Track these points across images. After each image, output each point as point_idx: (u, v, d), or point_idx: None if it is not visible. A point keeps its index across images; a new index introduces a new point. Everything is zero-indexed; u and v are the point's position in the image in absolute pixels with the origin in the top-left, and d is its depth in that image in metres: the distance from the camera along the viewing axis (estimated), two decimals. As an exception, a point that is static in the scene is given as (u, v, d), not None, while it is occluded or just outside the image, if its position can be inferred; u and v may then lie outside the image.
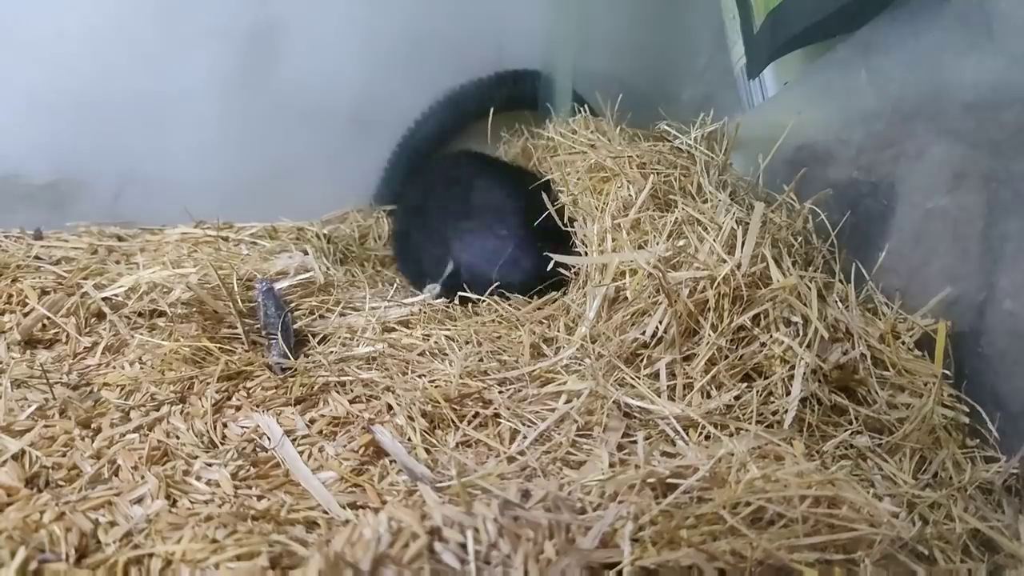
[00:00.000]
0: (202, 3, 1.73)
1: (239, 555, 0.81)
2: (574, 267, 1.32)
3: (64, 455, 0.98)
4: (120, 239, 1.60)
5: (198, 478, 0.95)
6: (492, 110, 1.72)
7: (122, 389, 1.12)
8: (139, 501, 0.90)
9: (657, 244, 1.20)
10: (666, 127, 1.46)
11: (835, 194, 1.24)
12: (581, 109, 1.67)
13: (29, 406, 1.05)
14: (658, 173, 1.32)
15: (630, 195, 1.31)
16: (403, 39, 1.88)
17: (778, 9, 1.33)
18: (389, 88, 1.90)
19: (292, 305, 1.31)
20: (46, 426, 1.02)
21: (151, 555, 0.82)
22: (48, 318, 1.24)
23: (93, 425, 1.04)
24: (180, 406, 1.09)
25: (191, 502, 0.91)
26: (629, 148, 1.39)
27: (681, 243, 1.19)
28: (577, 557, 0.80)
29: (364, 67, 1.87)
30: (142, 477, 0.94)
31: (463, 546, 0.80)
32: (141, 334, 1.24)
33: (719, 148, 1.40)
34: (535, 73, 1.89)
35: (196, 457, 0.99)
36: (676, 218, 1.23)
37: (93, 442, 1.00)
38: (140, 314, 1.30)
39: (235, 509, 0.90)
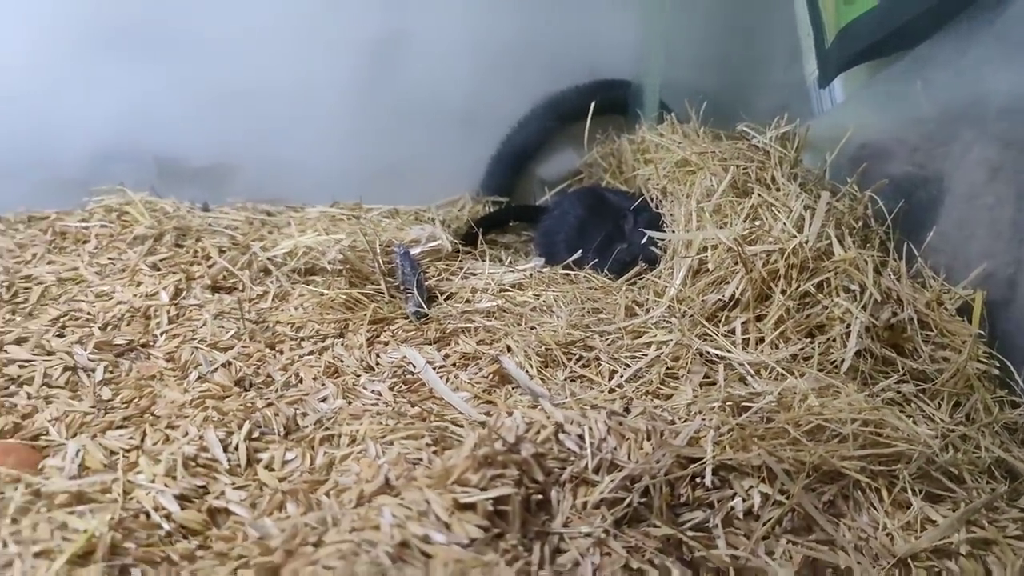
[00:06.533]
0: (340, 15, 2.02)
1: (407, 436, 1.06)
2: (664, 243, 1.54)
3: (258, 368, 1.24)
4: (269, 214, 1.88)
5: (364, 388, 1.20)
6: (589, 114, 1.95)
7: (292, 326, 1.38)
8: (324, 400, 1.16)
9: (736, 224, 1.41)
10: (745, 128, 1.68)
11: (892, 186, 1.45)
12: (668, 116, 1.90)
13: (227, 332, 1.31)
14: (737, 166, 1.54)
15: (712, 185, 1.53)
16: (508, 50, 2.14)
17: (847, 28, 1.54)
18: (494, 92, 2.16)
19: (423, 267, 1.56)
20: (243, 347, 1.28)
21: (339, 434, 1.07)
22: (228, 270, 1.51)
23: (277, 348, 1.30)
24: (340, 339, 1.35)
25: (363, 403, 1.16)
26: (712, 145, 1.61)
27: (757, 223, 1.40)
28: (670, 450, 1.02)
29: (474, 73, 2.14)
30: (323, 384, 1.19)
31: (581, 437, 1.03)
32: (300, 287, 1.51)
33: (791, 146, 1.61)
34: (626, 83, 2.12)
35: (360, 375, 1.24)
36: (752, 203, 1.45)
37: (279, 359, 1.26)
38: (296, 271, 1.56)
39: (397, 410, 1.14)
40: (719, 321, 1.36)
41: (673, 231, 1.52)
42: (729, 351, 1.28)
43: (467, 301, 1.49)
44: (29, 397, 1.09)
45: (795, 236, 1.32)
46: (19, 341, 1.19)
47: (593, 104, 2.04)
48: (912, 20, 1.36)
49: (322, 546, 0.82)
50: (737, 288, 1.35)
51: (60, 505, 0.88)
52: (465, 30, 2.11)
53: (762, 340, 1.31)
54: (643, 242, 1.55)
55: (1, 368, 1.13)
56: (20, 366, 1.14)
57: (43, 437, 1.02)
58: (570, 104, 2.12)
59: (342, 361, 1.28)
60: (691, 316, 1.36)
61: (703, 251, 1.44)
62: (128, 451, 0.99)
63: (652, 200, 1.64)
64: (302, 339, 1.34)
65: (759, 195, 1.46)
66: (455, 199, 2.06)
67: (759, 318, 1.34)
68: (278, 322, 1.39)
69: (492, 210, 2.04)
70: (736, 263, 1.37)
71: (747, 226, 1.39)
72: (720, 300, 1.35)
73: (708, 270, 1.42)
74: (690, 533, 0.98)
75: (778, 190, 1.49)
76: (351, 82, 2.06)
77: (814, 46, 1.69)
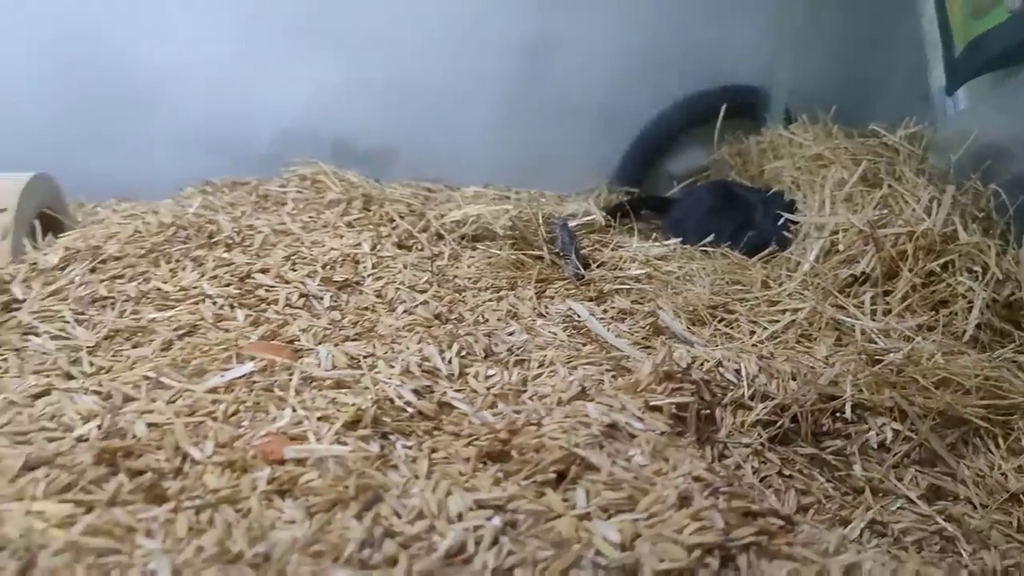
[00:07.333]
0: (497, 19, 2.26)
1: (588, 363, 1.26)
2: (795, 228, 1.71)
3: (450, 308, 1.46)
4: (430, 191, 2.12)
5: (541, 329, 1.41)
6: (719, 116, 2.14)
7: (470, 279, 1.60)
8: (511, 334, 1.36)
9: (867, 210, 1.58)
10: (875, 127, 1.84)
11: (1013, 183, 1.59)
12: (797, 118, 2.07)
13: (419, 279, 1.54)
14: (868, 160, 1.71)
15: (844, 177, 1.70)
16: (645, 54, 2.35)
17: (977, 40, 1.69)
18: (631, 92, 2.37)
19: (579, 238, 1.76)
20: (435, 291, 1.50)
21: (530, 359, 1.28)
22: (409, 231, 1.74)
23: (461, 295, 1.52)
24: (513, 292, 1.56)
25: (544, 340, 1.36)
26: (844, 141, 1.78)
27: (886, 211, 1.56)
28: (814, 386, 1.20)
29: (612, 76, 2.36)
30: (507, 323, 1.40)
31: (737, 371, 1.21)
32: (468, 251, 1.73)
33: (919, 145, 1.77)
34: (755, 89, 2.30)
35: (535, 320, 1.45)
36: (883, 193, 1.61)
37: (466, 303, 1.48)
38: (464, 237, 1.78)
39: (573, 347, 1.34)
40: (849, 295, 1.53)
41: (806, 215, 1.69)
42: (859, 318, 1.45)
43: (619, 268, 1.68)
44: (277, 314, 1.33)
45: (923, 220, 1.48)
46: (262, 271, 1.43)
47: (722, 108, 2.22)
48: (1041, 33, 1.52)
49: (542, 427, 1.02)
50: (867, 265, 1.51)
51: (327, 387, 1.11)
52: (607, 36, 2.33)
53: (889, 311, 1.47)
54: (779, 224, 1.72)
55: (253, 291, 1.38)
56: (266, 290, 1.39)
57: (295, 343, 1.25)
58: (701, 106, 2.30)
59: (517, 309, 1.49)
60: (823, 288, 1.53)
61: (834, 234, 1.61)
62: (365, 357, 1.21)
63: (784, 191, 1.82)
64: (480, 289, 1.55)
65: (888, 186, 1.62)
66: (592, 188, 2.27)
67: (886, 293, 1.50)
68: (455, 276, 1.61)
69: (625, 199, 2.24)
70: (866, 244, 1.53)
71: (878, 212, 1.56)
72: (851, 275, 1.52)
73: (838, 250, 1.59)
74: (831, 457, 1.16)
75: (906, 183, 1.64)
76: (503, 79, 2.30)
77: (942, 57, 1.84)
